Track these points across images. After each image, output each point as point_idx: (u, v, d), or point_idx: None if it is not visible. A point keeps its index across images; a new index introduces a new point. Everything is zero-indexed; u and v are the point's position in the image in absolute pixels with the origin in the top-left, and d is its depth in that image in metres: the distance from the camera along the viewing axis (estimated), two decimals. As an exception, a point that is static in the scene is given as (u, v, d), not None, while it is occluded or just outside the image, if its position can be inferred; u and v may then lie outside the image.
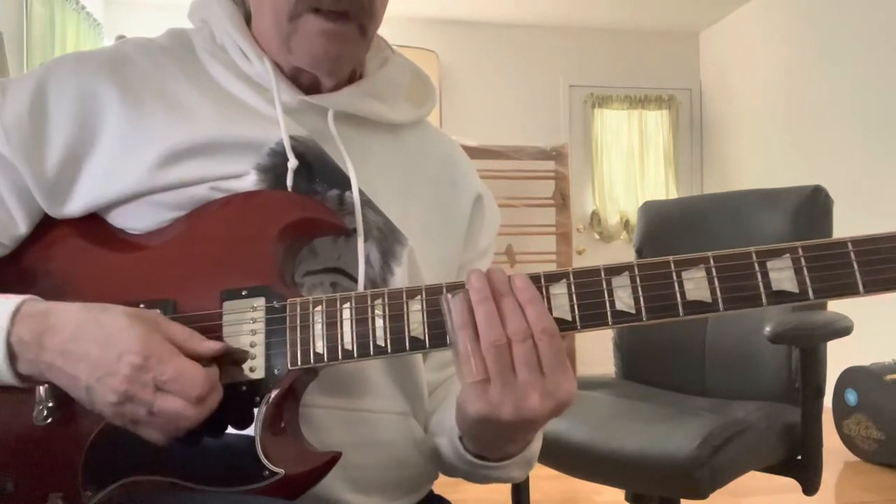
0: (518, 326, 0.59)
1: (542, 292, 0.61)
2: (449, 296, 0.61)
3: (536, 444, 0.74)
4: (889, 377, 2.92)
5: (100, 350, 0.60)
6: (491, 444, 0.68)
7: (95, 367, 0.59)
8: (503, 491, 1.45)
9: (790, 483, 1.48)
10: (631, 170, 5.24)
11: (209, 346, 0.63)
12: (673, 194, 5.14)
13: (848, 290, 0.57)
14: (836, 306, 1.50)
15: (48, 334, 0.61)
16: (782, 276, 0.58)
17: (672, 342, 1.83)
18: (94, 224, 0.73)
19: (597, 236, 5.20)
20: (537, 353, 0.59)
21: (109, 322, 0.61)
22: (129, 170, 0.71)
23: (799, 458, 1.48)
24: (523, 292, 0.60)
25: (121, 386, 0.59)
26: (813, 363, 1.46)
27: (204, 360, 0.62)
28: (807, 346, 1.46)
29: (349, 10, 0.72)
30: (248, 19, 0.81)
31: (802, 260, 0.58)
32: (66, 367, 0.60)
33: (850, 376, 3.04)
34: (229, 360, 0.65)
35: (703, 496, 1.36)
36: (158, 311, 0.65)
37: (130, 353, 0.59)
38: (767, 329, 1.43)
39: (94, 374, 0.59)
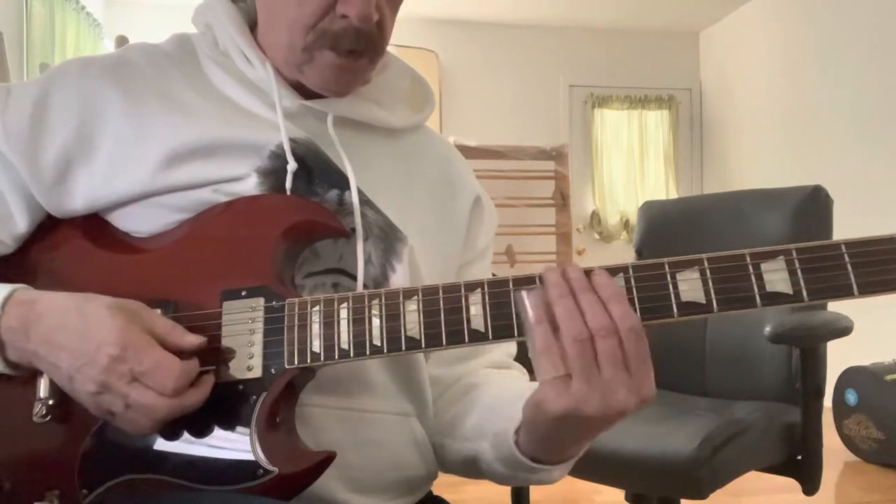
0: (602, 322, 0.56)
1: None
2: (523, 292, 0.58)
3: None
4: (889, 377, 2.92)
5: (79, 340, 0.61)
6: (559, 445, 0.66)
7: (75, 357, 0.61)
8: (503, 491, 1.44)
9: (790, 483, 1.48)
10: (631, 170, 5.24)
11: (190, 339, 0.63)
12: (673, 194, 5.14)
13: (842, 292, 0.57)
14: (835, 306, 1.50)
15: (34, 323, 0.62)
16: (776, 277, 0.58)
17: (672, 342, 1.83)
18: (97, 227, 0.74)
19: (597, 236, 5.20)
20: (622, 352, 0.57)
21: (91, 312, 0.62)
22: (132, 171, 0.71)
23: (799, 458, 1.48)
24: (605, 288, 0.58)
25: (99, 376, 0.60)
26: (813, 363, 1.46)
27: (185, 354, 0.62)
28: (807, 346, 1.46)
29: (364, 49, 0.74)
30: (252, 24, 0.81)
31: (796, 262, 0.58)
32: (49, 356, 0.62)
33: (850, 376, 3.04)
34: (224, 358, 0.65)
35: (703, 496, 1.36)
36: (142, 303, 0.65)
37: (108, 345, 0.60)
38: (767, 329, 1.43)
39: (74, 364, 0.61)
